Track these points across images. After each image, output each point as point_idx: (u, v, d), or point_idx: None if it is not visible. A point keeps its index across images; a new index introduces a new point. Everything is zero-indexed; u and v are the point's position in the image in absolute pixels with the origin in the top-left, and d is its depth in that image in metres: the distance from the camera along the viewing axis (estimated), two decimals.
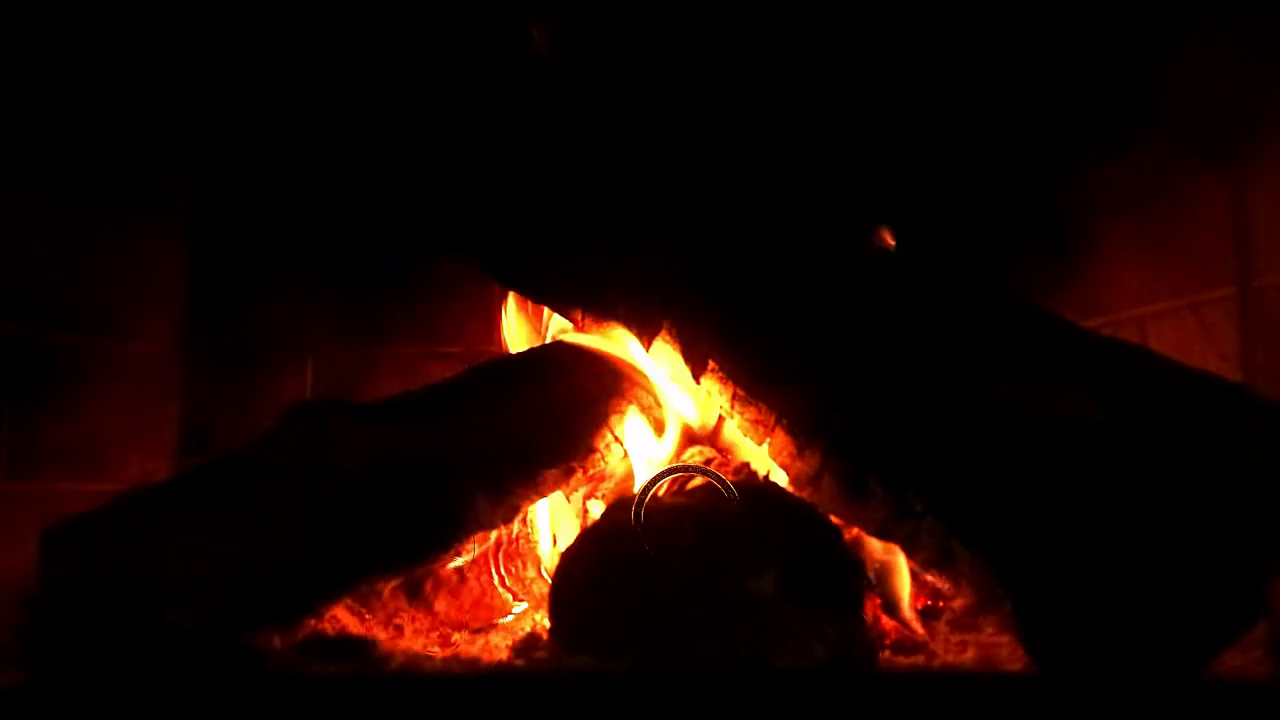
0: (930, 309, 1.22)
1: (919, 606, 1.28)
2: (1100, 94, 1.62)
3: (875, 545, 1.22)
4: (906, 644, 1.19)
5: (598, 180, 1.36)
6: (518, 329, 1.57)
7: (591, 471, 1.34)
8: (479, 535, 1.28)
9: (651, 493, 1.11)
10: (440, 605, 1.35)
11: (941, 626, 1.27)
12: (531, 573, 1.38)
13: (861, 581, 1.11)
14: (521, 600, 1.38)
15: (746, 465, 1.33)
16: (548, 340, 1.55)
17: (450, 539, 1.22)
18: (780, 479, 1.24)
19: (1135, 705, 0.85)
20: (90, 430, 1.55)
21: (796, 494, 1.16)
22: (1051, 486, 0.98)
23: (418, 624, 1.31)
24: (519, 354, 1.52)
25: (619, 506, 1.14)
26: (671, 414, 1.38)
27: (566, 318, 1.46)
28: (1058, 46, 1.66)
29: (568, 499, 1.39)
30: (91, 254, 1.59)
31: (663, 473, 1.18)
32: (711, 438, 1.40)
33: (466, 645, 1.25)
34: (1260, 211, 1.37)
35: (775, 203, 1.40)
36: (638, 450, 1.36)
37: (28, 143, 1.46)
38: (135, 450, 1.64)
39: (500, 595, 1.37)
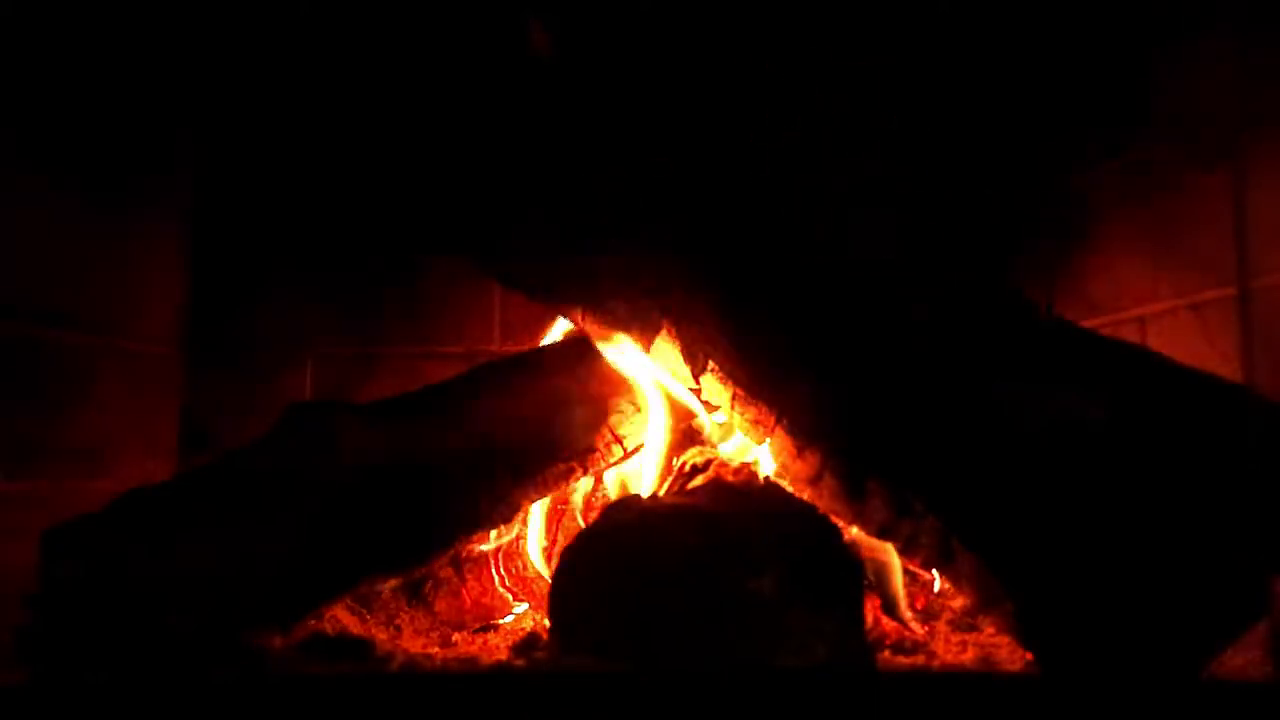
0: (930, 309, 1.22)
1: (919, 606, 1.29)
2: (1100, 92, 1.62)
3: (875, 545, 1.23)
4: (906, 644, 1.19)
5: (598, 180, 1.36)
6: None
7: (592, 471, 1.34)
8: (479, 535, 1.28)
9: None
10: (440, 605, 1.35)
11: (941, 626, 1.27)
12: (531, 573, 1.38)
13: (861, 581, 1.11)
14: (521, 600, 1.38)
15: (747, 465, 1.33)
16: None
17: (451, 539, 1.23)
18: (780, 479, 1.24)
19: (1135, 705, 0.85)
20: (90, 430, 1.55)
21: (796, 494, 1.16)
22: (1052, 487, 0.98)
23: (418, 624, 1.32)
24: (519, 354, 1.52)
25: (619, 506, 1.14)
26: (665, 414, 1.38)
27: (567, 318, 1.46)
28: (1057, 43, 1.66)
29: (567, 498, 1.39)
30: (92, 253, 1.59)
31: None
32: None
33: (466, 645, 1.25)
34: (1260, 211, 1.37)
35: (775, 202, 1.40)
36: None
37: (28, 142, 1.46)
38: (135, 450, 1.64)
39: (500, 595, 1.37)
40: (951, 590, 1.29)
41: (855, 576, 1.06)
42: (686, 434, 1.39)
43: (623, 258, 1.34)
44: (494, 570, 1.37)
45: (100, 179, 1.59)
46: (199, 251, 1.81)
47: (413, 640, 1.26)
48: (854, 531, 1.17)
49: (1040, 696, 0.89)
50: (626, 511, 1.09)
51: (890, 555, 1.23)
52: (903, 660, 1.13)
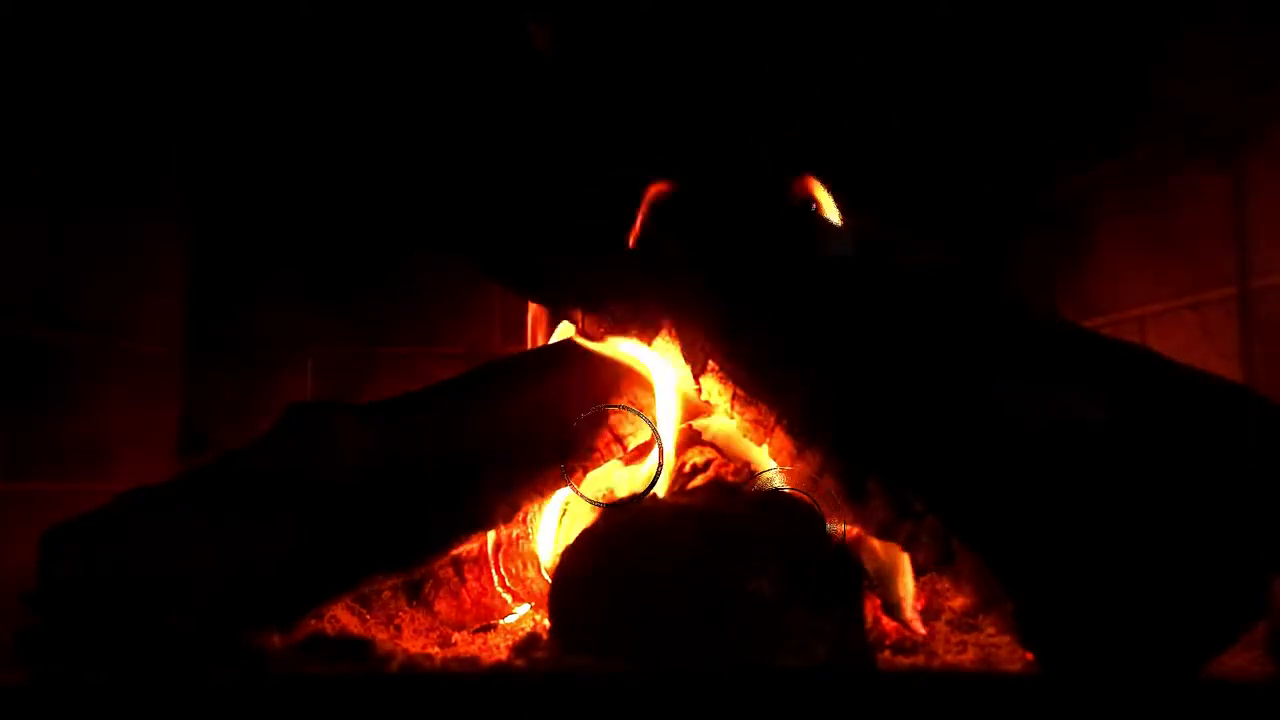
0: (930, 308, 1.22)
1: (919, 606, 1.29)
2: (1099, 92, 1.62)
3: (875, 545, 1.23)
4: (906, 644, 1.19)
5: (598, 181, 1.36)
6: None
7: (592, 471, 1.34)
8: (479, 535, 1.28)
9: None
10: (440, 605, 1.35)
11: (941, 626, 1.27)
12: (531, 573, 1.38)
13: (861, 581, 1.11)
14: (521, 600, 1.38)
15: (747, 465, 1.33)
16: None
17: (450, 539, 1.22)
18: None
19: (1135, 705, 0.85)
20: (90, 430, 1.55)
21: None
22: (1052, 487, 0.98)
23: (418, 624, 1.31)
24: (519, 354, 1.52)
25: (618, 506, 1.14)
26: (670, 413, 1.38)
27: (567, 318, 1.46)
28: (1058, 43, 1.66)
29: (567, 499, 1.39)
30: (92, 254, 1.59)
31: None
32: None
33: (466, 645, 1.25)
34: (1260, 212, 1.37)
35: (775, 202, 1.40)
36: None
37: (28, 143, 1.46)
38: (135, 450, 1.64)
39: (500, 595, 1.37)
40: (951, 590, 1.29)
41: (855, 576, 1.06)
42: (686, 434, 1.39)
43: (623, 257, 1.34)
44: (494, 570, 1.37)
45: (100, 179, 1.59)
46: (199, 251, 1.81)
47: (413, 640, 1.26)
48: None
49: (1040, 696, 0.89)
50: (626, 511, 1.09)
51: (894, 555, 1.23)
52: (903, 660, 1.13)
